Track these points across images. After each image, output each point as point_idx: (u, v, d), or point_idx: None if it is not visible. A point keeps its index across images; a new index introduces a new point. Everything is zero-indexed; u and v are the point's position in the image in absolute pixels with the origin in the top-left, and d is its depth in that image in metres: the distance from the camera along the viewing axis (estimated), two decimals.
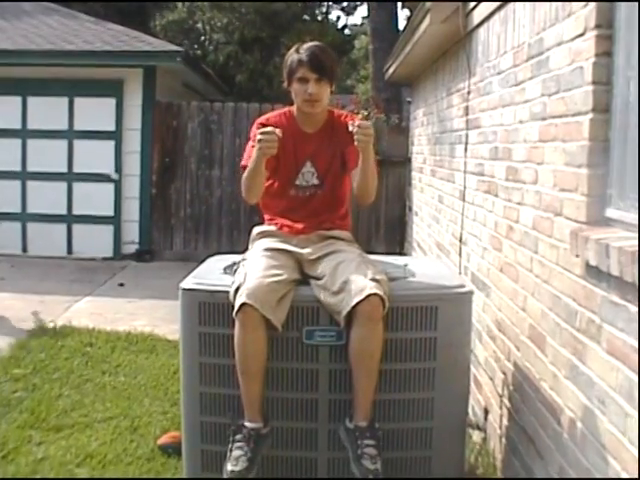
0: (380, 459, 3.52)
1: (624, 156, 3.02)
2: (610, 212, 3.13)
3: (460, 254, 6.25)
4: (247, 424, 3.63)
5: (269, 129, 3.85)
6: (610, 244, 2.77)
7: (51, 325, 7.95)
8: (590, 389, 3.05)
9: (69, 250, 12.97)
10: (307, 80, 3.97)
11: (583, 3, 3.31)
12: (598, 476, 2.93)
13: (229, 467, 3.54)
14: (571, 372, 3.30)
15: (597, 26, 3.17)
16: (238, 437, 3.61)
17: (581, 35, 3.34)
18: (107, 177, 12.70)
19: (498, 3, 5.05)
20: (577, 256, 3.20)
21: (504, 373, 4.57)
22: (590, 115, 3.22)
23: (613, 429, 2.80)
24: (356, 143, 3.78)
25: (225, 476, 3.56)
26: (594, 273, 3.03)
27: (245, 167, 4.02)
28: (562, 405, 3.41)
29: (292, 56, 4.04)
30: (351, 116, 4.22)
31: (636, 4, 2.92)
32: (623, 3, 3.05)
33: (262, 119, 4.20)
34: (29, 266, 11.90)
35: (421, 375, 3.75)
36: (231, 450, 3.59)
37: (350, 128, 3.79)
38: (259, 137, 3.82)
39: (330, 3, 30.54)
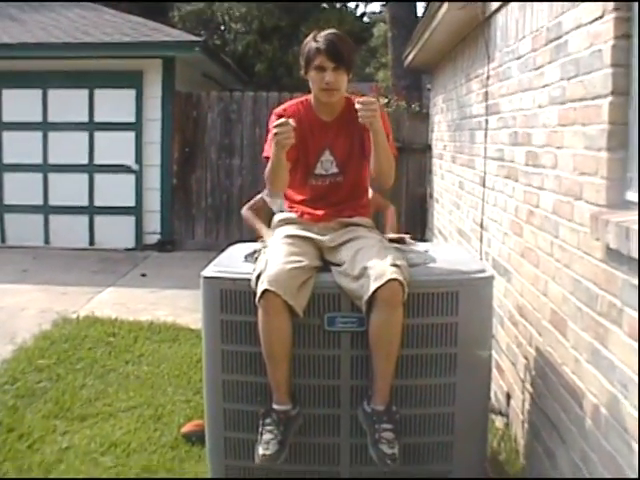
0: (397, 443, 3.54)
1: None
2: (630, 195, 3.13)
3: (481, 240, 6.25)
4: (276, 407, 3.66)
5: (282, 120, 3.84)
6: (630, 227, 2.77)
7: (74, 316, 8.02)
8: (612, 373, 3.05)
9: (91, 241, 13.08)
10: (324, 69, 3.95)
11: None
12: (621, 460, 2.93)
13: (260, 451, 3.57)
14: (593, 356, 3.30)
15: (615, 8, 3.15)
16: (268, 421, 3.64)
17: (600, 18, 3.33)
18: (128, 168, 12.79)
19: None
20: (597, 240, 3.19)
21: (526, 358, 4.58)
22: (610, 98, 3.21)
23: (635, 413, 2.79)
24: (360, 120, 3.78)
25: (257, 460, 3.59)
26: (615, 256, 3.03)
27: (267, 158, 4.02)
28: (584, 389, 3.41)
29: (309, 44, 4.01)
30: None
31: None
32: None
33: (279, 109, 4.20)
34: (51, 258, 12.01)
35: (442, 360, 3.75)
36: (262, 434, 3.62)
37: (357, 106, 3.78)
38: (274, 130, 3.82)
39: None
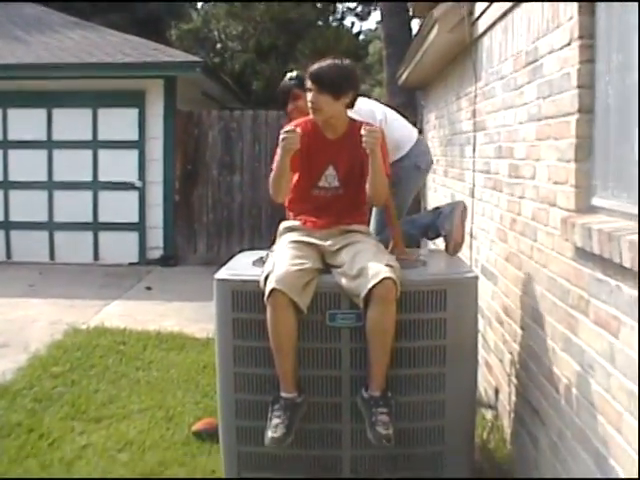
0: (392, 425, 3.88)
1: (605, 151, 3.41)
2: (595, 200, 3.51)
3: (470, 248, 6.59)
4: (283, 394, 4.00)
5: (290, 128, 4.25)
6: (592, 227, 3.15)
7: (84, 327, 8.28)
8: (581, 357, 3.41)
9: (95, 257, 13.30)
10: (311, 90, 4.32)
11: (569, 16, 3.69)
12: (590, 433, 3.29)
13: (269, 434, 3.92)
14: (565, 344, 3.66)
15: (580, 37, 3.54)
16: (276, 407, 3.98)
17: (568, 45, 3.71)
18: (131, 185, 13.04)
19: (501, 12, 5.38)
20: (567, 240, 3.57)
21: (511, 354, 4.91)
22: (576, 116, 3.59)
23: (599, 389, 3.15)
24: (364, 145, 4.15)
25: (266, 442, 3.93)
26: (581, 254, 3.40)
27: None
28: (560, 375, 3.76)
29: None
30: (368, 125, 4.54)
31: (612, 17, 3.31)
32: (601, 16, 3.43)
33: (289, 127, 4.56)
34: (57, 273, 12.23)
35: (433, 352, 4.08)
36: (270, 419, 3.97)
37: (362, 132, 4.16)
38: (282, 135, 4.21)
39: (344, 10, 30.60)
